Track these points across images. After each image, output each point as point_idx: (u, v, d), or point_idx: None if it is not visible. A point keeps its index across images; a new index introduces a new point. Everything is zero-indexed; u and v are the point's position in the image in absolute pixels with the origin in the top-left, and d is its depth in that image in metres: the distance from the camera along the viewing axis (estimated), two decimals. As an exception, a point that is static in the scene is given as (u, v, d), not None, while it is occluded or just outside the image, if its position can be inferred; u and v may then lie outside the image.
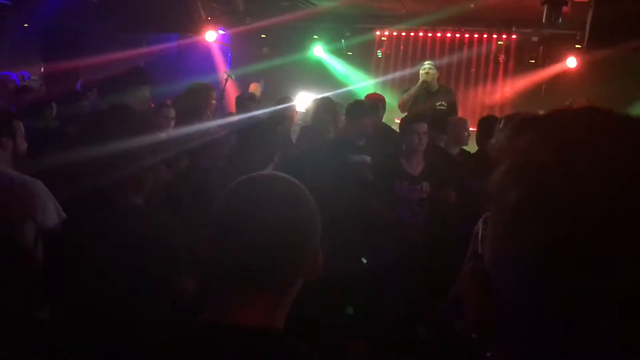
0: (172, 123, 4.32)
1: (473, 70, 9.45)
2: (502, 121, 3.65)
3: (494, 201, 0.61)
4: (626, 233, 0.51)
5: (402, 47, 10.04)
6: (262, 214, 1.11)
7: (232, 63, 10.18)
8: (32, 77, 8.40)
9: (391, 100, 6.91)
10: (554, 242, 0.53)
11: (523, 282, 0.57)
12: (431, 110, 5.89)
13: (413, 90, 6.33)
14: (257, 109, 5.18)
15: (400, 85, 9.89)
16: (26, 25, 9.73)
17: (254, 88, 7.92)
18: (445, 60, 9.50)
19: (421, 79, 6.29)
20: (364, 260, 4.07)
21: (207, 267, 1.18)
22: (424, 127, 4.33)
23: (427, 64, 6.46)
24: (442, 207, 4.20)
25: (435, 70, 6.34)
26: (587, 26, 6.50)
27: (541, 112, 0.64)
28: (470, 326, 0.64)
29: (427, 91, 6.25)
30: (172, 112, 4.25)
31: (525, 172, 0.58)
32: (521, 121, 0.65)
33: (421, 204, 4.31)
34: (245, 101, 5.14)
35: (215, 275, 1.16)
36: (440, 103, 6.21)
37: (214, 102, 5.28)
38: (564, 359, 0.55)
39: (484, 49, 9.42)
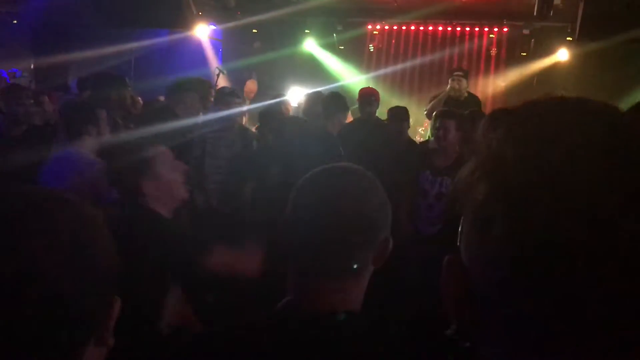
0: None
1: (465, 63, 9.47)
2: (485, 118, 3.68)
3: (465, 196, 0.61)
4: (586, 223, 0.51)
5: (393, 41, 10.05)
6: (338, 204, 1.16)
7: (223, 58, 10.15)
8: (22, 73, 8.36)
9: (384, 94, 6.92)
10: (517, 237, 0.53)
11: (492, 277, 0.57)
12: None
13: (442, 96, 6.31)
14: (239, 105, 5.15)
15: (392, 79, 9.92)
16: (15, 21, 9.66)
17: (251, 85, 7.89)
18: (437, 53, 9.53)
19: (449, 86, 6.28)
20: None
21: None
22: (449, 123, 4.35)
23: (456, 73, 6.45)
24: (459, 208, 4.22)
25: (463, 80, 6.33)
26: (578, 19, 6.53)
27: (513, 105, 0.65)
28: (449, 319, 0.65)
29: (455, 99, 6.21)
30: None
31: (491, 167, 0.58)
32: (493, 115, 0.65)
33: (438, 198, 4.33)
34: (226, 96, 5.09)
35: (293, 265, 1.21)
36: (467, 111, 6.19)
37: (211, 98, 5.27)
38: (538, 355, 0.56)
39: (475, 43, 9.45)
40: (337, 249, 1.16)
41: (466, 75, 6.46)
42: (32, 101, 4.74)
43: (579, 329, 0.52)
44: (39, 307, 0.71)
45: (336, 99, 5.04)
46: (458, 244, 0.65)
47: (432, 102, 6.34)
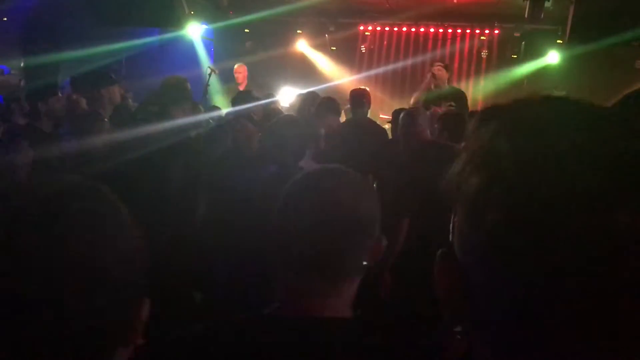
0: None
1: (456, 65, 9.50)
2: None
3: (457, 190, 0.62)
4: (577, 214, 0.51)
5: (385, 42, 10.06)
6: (331, 206, 1.16)
7: (215, 57, 10.12)
8: (11, 71, 8.29)
9: (375, 95, 6.94)
10: (513, 227, 0.54)
11: (486, 268, 0.58)
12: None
13: (423, 85, 6.41)
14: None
15: (383, 80, 9.94)
16: (5, 19, 9.59)
17: (239, 68, 7.86)
18: (428, 55, 9.56)
19: (429, 75, 6.38)
20: None
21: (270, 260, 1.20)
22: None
23: (437, 64, 6.57)
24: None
25: (444, 71, 6.42)
26: (569, 22, 6.57)
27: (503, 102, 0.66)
28: (442, 310, 0.66)
29: (437, 92, 6.30)
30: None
31: (483, 160, 0.59)
32: (484, 111, 0.66)
33: None
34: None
35: (284, 267, 1.19)
36: (449, 104, 6.26)
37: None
38: (531, 346, 0.56)
39: (466, 44, 9.49)
40: (331, 251, 1.15)
41: (447, 68, 6.57)
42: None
43: (573, 321, 0.53)
44: (78, 304, 0.69)
45: (329, 103, 5.09)
46: (450, 238, 0.66)
47: (415, 95, 6.40)
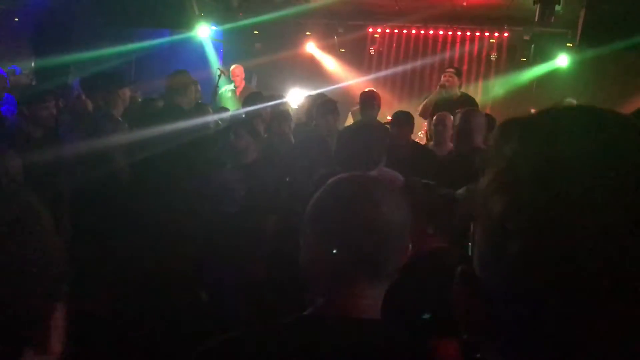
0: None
1: (465, 67, 9.48)
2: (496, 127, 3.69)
3: (481, 208, 0.61)
4: (609, 237, 0.51)
5: (394, 45, 10.05)
6: (370, 212, 1.21)
7: (224, 59, 10.14)
8: (23, 71, 8.33)
9: (384, 97, 6.92)
10: (536, 253, 0.54)
11: (509, 291, 0.58)
12: None
13: (433, 95, 6.30)
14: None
15: (392, 82, 9.93)
16: (17, 19, 9.65)
17: (236, 70, 7.82)
18: (437, 57, 9.54)
19: (441, 81, 6.25)
20: None
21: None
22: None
23: (448, 69, 6.43)
24: None
25: (455, 77, 6.29)
26: (579, 25, 6.54)
27: (531, 111, 0.65)
28: (461, 327, 0.65)
29: (447, 98, 6.17)
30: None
31: (506, 180, 0.58)
32: (505, 126, 0.65)
33: None
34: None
35: (325, 271, 1.23)
36: (457, 110, 6.16)
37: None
38: None
39: (475, 47, 9.46)
40: (375, 254, 1.20)
41: (459, 74, 6.43)
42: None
43: (598, 349, 0.53)
44: None
45: (326, 103, 5.17)
46: (470, 254, 0.65)
47: (424, 102, 6.33)
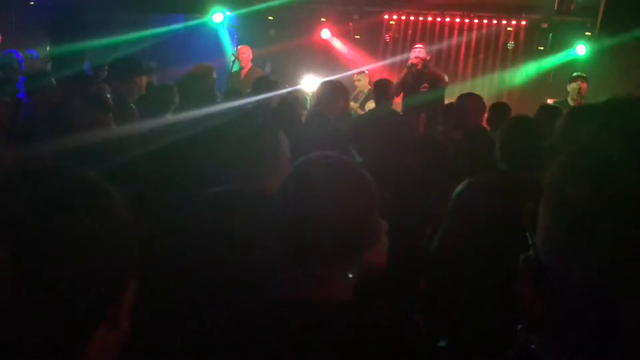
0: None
1: (481, 56, 9.38)
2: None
3: (553, 194, 0.59)
4: None
5: (410, 32, 9.95)
6: (327, 192, 1.18)
7: (238, 45, 10.11)
8: (39, 56, 8.36)
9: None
10: (625, 237, 0.52)
11: (591, 277, 0.56)
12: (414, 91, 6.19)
13: (402, 74, 6.50)
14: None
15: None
16: (32, 3, 9.67)
17: (244, 49, 7.73)
18: (453, 45, 9.44)
19: (409, 62, 6.41)
20: None
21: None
22: None
23: (416, 45, 6.71)
24: None
25: (424, 54, 6.49)
26: (600, 14, 6.44)
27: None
28: (525, 325, 0.64)
29: (415, 73, 6.39)
30: None
31: (587, 165, 0.56)
32: (574, 112, 0.64)
33: None
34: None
35: (283, 253, 1.21)
36: (423, 85, 6.25)
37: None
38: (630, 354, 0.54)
39: (492, 35, 9.34)
40: (329, 235, 1.17)
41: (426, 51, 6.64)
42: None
43: None
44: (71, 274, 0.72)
45: (335, 86, 5.02)
46: (530, 242, 0.63)
47: (396, 81, 6.40)
